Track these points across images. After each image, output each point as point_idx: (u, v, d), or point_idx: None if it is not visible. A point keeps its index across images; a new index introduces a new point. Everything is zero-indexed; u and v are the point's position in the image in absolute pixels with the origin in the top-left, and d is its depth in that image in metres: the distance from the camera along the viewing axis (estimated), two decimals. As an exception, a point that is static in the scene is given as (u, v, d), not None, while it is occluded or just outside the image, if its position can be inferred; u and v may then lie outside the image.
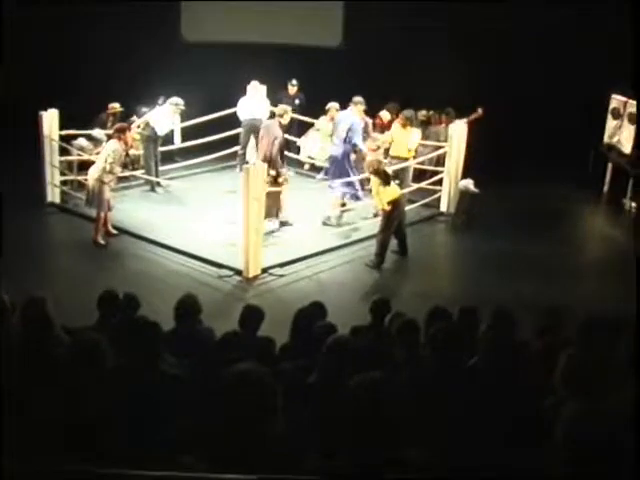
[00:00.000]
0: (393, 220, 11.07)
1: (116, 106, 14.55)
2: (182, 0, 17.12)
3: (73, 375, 4.43)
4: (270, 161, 11.66)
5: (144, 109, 14.63)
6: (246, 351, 5.62)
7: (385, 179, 10.97)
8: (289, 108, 12.86)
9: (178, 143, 14.39)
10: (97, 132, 13.81)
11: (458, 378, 4.59)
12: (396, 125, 13.51)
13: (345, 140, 12.59)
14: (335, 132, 12.87)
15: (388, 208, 10.90)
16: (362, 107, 13.14)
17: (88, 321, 6.28)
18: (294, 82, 15.88)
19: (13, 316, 5.58)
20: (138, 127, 13.68)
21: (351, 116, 12.79)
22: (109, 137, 12.13)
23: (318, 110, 14.95)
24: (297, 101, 15.85)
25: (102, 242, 11.45)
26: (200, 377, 5.01)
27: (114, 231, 11.75)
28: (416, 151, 13.73)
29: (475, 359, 5.00)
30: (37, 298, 5.67)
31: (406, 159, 13.25)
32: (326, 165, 14.36)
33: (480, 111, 15.29)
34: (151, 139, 13.75)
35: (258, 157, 12.16)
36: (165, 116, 13.80)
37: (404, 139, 13.18)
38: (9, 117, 14.13)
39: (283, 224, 12.19)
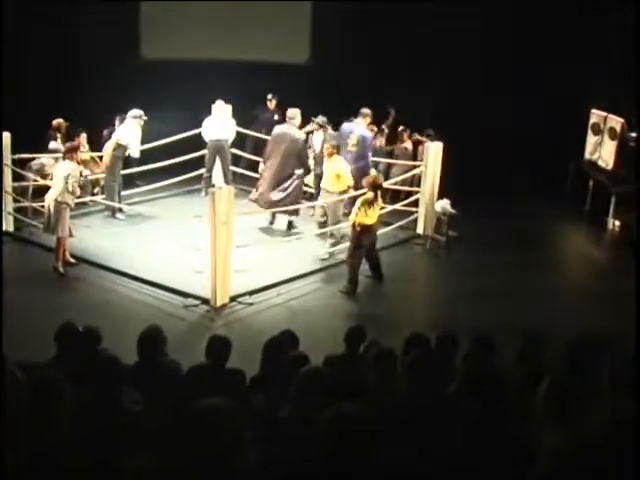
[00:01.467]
0: (362, 245, 11.11)
1: (60, 121, 14.31)
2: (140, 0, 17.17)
3: (27, 416, 4.38)
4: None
5: (105, 131, 14.58)
6: (214, 385, 5.61)
7: (382, 197, 11.25)
8: (298, 111, 13.26)
9: (137, 156, 14.21)
10: (53, 144, 13.73)
11: (436, 407, 4.61)
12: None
13: (358, 156, 13.00)
14: (342, 146, 13.04)
15: (357, 228, 10.94)
16: (369, 119, 13.35)
17: (45, 356, 6.23)
18: (269, 96, 15.98)
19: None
20: (113, 150, 13.60)
21: (360, 129, 13.18)
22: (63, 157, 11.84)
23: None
24: (276, 116, 15.94)
25: (62, 270, 11.40)
26: (166, 413, 4.98)
27: (72, 260, 11.68)
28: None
29: (453, 387, 5.03)
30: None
31: (335, 193, 12.39)
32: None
33: (392, 112, 15.42)
34: (119, 160, 13.69)
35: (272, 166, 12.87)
36: (133, 132, 13.76)
37: (329, 170, 12.44)
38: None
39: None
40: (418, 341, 6.26)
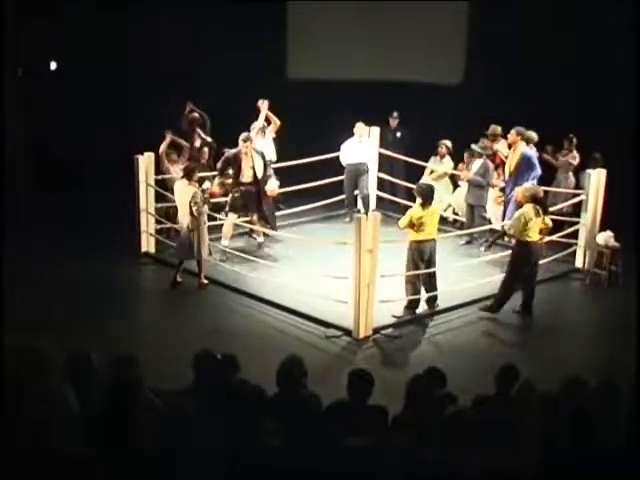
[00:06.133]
0: (519, 264, 11.02)
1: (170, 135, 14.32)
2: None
3: (160, 444, 4.45)
4: None
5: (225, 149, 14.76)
6: (355, 422, 5.57)
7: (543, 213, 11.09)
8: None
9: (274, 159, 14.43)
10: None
11: (600, 462, 4.41)
12: None
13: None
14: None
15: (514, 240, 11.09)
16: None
17: (181, 383, 6.34)
18: (395, 115, 16.26)
19: (101, 377, 5.70)
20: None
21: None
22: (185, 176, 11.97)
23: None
24: (398, 134, 16.15)
25: (205, 281, 12.00)
26: (305, 450, 4.96)
27: (206, 281, 12.06)
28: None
29: (616, 440, 4.80)
30: (126, 357, 5.78)
31: None
32: (451, 216, 15.04)
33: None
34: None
35: None
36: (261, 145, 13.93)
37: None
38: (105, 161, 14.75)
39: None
40: (577, 386, 6.04)
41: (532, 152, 13.32)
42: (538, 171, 13.16)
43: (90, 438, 4.84)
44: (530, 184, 12.24)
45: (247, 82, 16.11)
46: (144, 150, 13.12)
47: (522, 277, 11.17)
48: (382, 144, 15.69)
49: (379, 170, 15.58)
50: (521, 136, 13.22)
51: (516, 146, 13.23)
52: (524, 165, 13.04)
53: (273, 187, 13.53)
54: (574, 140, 14.52)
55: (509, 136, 13.35)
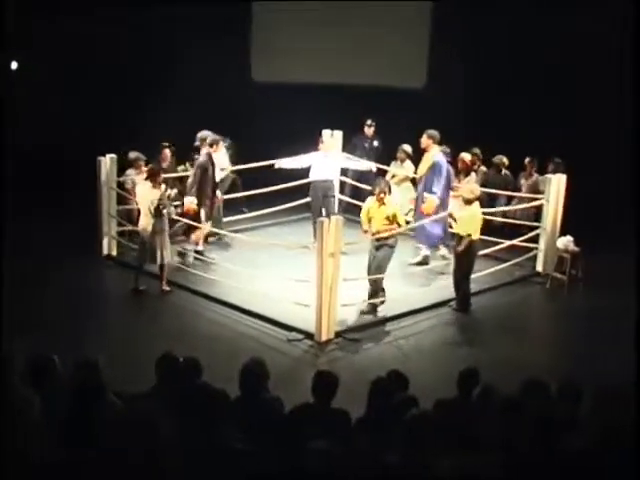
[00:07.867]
0: (470, 261, 11.50)
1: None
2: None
3: (123, 448, 4.42)
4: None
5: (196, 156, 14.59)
6: (318, 425, 5.56)
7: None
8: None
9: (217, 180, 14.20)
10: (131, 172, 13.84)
11: (563, 464, 4.45)
12: None
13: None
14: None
15: (475, 236, 11.36)
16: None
17: (144, 386, 6.30)
18: (369, 122, 15.95)
19: (63, 379, 5.67)
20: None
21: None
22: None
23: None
24: (375, 143, 15.96)
25: (168, 288, 11.94)
26: (267, 453, 4.96)
27: (168, 287, 11.99)
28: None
29: (579, 442, 4.84)
30: (90, 361, 5.75)
31: None
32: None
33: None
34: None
35: None
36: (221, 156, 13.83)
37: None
38: (68, 163, 14.62)
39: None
40: (536, 388, 6.08)
41: (442, 159, 13.04)
42: (445, 179, 12.99)
43: (53, 441, 4.80)
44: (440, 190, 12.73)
45: (212, 84, 16.11)
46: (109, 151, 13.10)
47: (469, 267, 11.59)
48: (353, 151, 15.41)
49: (349, 177, 15.45)
50: (432, 139, 13.08)
51: (429, 150, 13.14)
52: (433, 171, 12.92)
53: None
54: (535, 162, 14.82)
55: (422, 140, 13.22)
